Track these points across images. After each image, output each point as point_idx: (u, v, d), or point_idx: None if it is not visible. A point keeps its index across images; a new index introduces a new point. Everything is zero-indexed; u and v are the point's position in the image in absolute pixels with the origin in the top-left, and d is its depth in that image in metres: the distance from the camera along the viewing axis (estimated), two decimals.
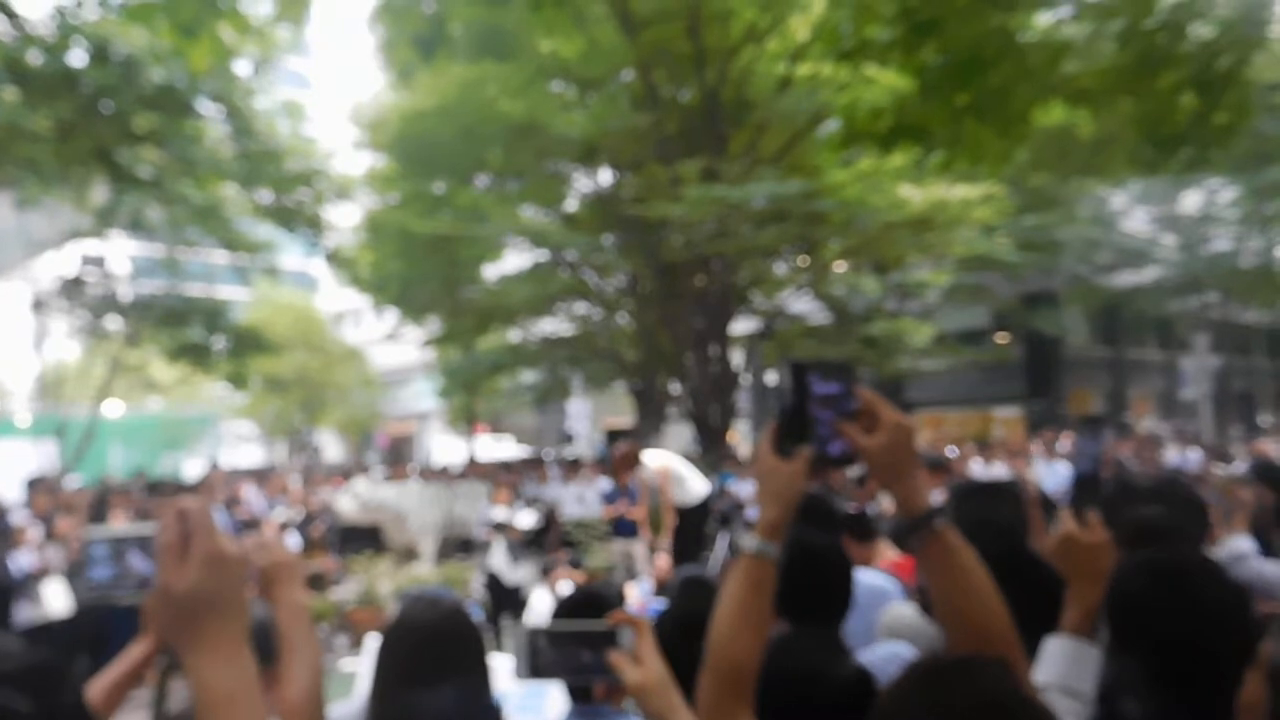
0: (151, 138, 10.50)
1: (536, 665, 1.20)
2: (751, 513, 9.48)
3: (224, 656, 0.78)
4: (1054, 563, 1.51)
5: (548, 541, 8.67)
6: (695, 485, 7.16)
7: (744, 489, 10.25)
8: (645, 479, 6.84)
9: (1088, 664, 1.39)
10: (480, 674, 1.54)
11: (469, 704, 1.31)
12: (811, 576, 2.06)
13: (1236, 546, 2.80)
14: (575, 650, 1.19)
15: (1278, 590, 2.63)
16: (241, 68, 11.32)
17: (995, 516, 2.63)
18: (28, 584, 6.73)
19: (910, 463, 1.22)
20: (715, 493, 9.25)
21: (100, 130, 10.09)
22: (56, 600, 6.65)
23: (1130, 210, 19.69)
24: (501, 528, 8.12)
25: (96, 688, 1.42)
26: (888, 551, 3.19)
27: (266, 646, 1.58)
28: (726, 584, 1.24)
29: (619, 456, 6.95)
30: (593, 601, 1.91)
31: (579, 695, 1.74)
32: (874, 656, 1.96)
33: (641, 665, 1.17)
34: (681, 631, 1.63)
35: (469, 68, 11.57)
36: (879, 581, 2.64)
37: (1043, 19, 7.07)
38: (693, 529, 7.15)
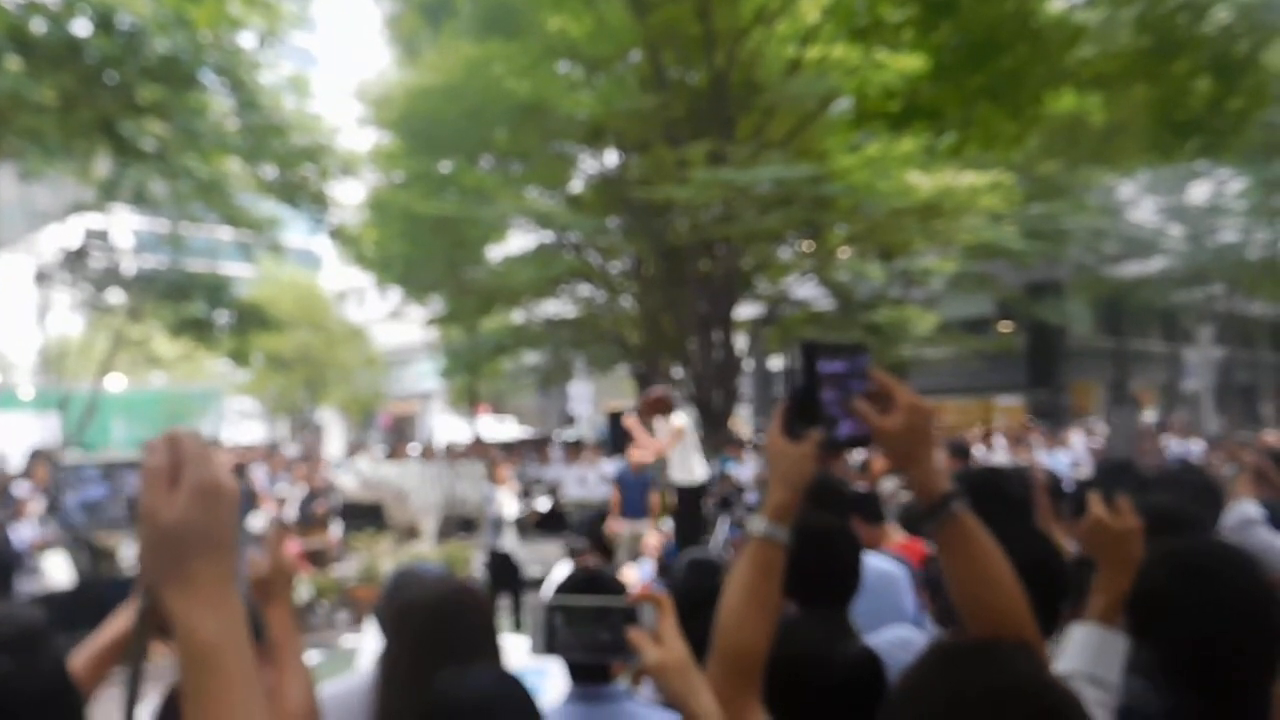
0: (155, 110, 10.42)
1: (553, 642, 1.17)
2: (752, 497, 9.49)
3: (212, 599, 0.69)
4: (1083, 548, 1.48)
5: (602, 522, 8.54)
6: (699, 466, 7.16)
7: (744, 473, 10.27)
8: (665, 429, 6.68)
9: (1114, 653, 1.36)
10: (496, 651, 1.52)
11: (505, 681, 1.29)
12: (820, 558, 2.04)
13: (1243, 512, 2.67)
14: (593, 628, 1.15)
15: None
16: (247, 41, 11.21)
17: (1004, 498, 2.62)
18: (29, 555, 6.76)
19: (927, 445, 1.19)
20: (716, 477, 9.27)
21: (104, 101, 10.01)
22: (58, 572, 6.69)
23: (1138, 200, 19.56)
24: (520, 522, 8.12)
25: (80, 657, 1.40)
26: (895, 534, 3.18)
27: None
28: (735, 567, 1.21)
29: (652, 399, 6.70)
30: (592, 583, 1.90)
31: (590, 674, 1.72)
32: (882, 640, 1.95)
33: (662, 644, 1.13)
34: (685, 612, 1.61)
35: (476, 46, 11.46)
36: (887, 566, 2.62)
37: (1058, 2, 6.99)
38: (692, 510, 7.16)
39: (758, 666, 1.19)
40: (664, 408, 6.76)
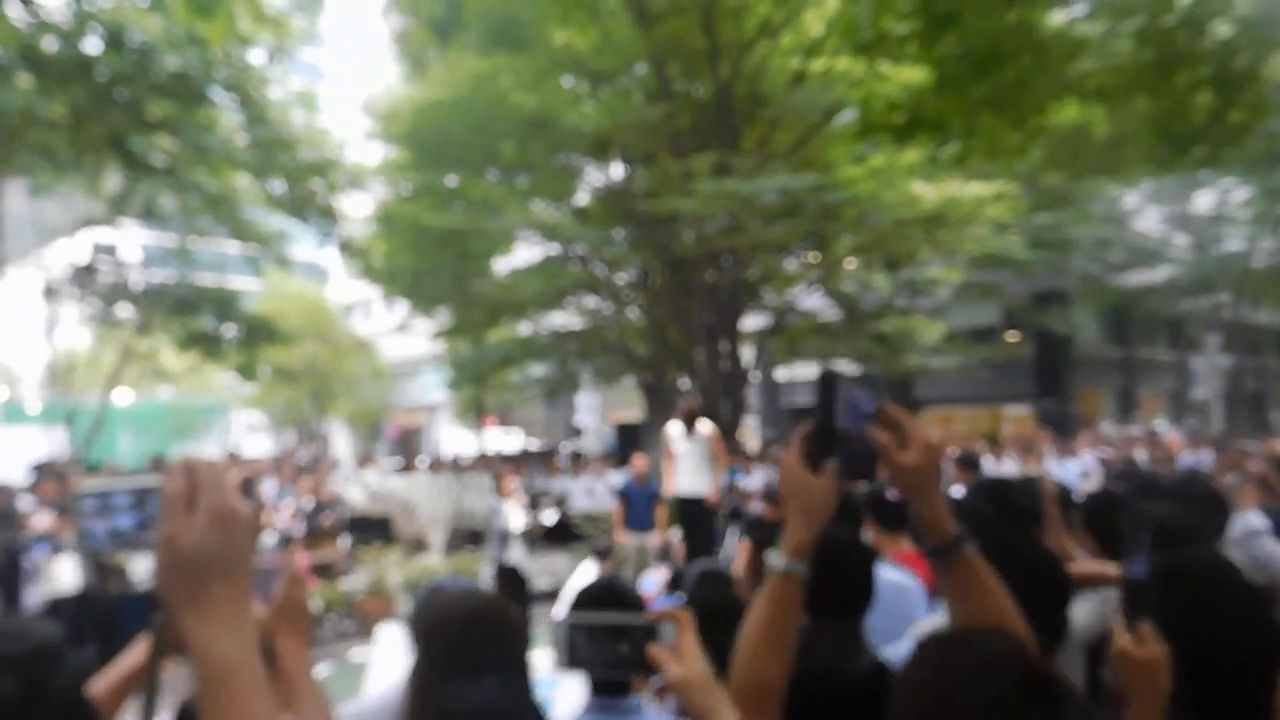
0: (165, 126, 10.52)
1: (575, 658, 1.18)
2: (758, 507, 9.48)
3: (228, 622, 0.71)
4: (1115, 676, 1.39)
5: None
6: (708, 480, 7.18)
7: (752, 484, 10.26)
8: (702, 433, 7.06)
9: None
10: (524, 665, 1.53)
11: (514, 696, 1.29)
12: (833, 571, 2.05)
13: (1249, 523, 2.65)
14: (614, 644, 1.17)
15: None
16: (256, 57, 11.33)
17: (1014, 510, 2.62)
18: (34, 551, 6.79)
19: (938, 483, 1.21)
20: (724, 488, 9.26)
21: (114, 118, 10.11)
22: (66, 577, 6.70)
23: (1143, 209, 19.56)
24: (528, 534, 8.18)
25: (101, 683, 1.40)
26: (906, 545, 3.16)
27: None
28: (754, 602, 1.21)
29: (686, 409, 7.10)
30: (611, 594, 1.91)
31: (608, 688, 1.73)
32: (896, 653, 1.95)
33: (684, 660, 1.14)
34: (698, 625, 1.63)
35: (482, 60, 11.55)
36: (900, 578, 2.62)
37: (1059, 16, 7.04)
38: (699, 522, 7.18)
39: (774, 698, 1.19)
40: (694, 416, 7.07)
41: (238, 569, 0.73)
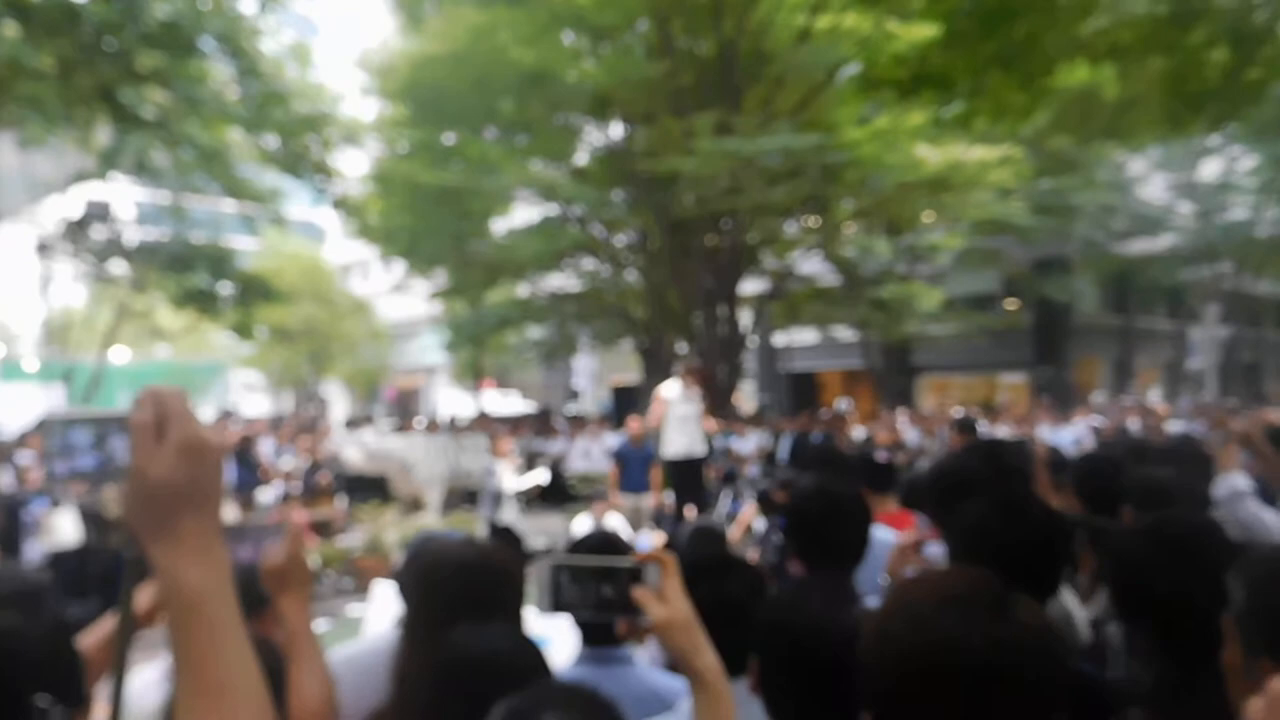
0: (155, 77, 10.33)
1: (559, 600, 1.18)
2: (753, 470, 9.53)
3: (197, 552, 0.70)
4: None
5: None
6: (699, 441, 7.19)
7: (746, 447, 10.31)
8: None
9: None
10: (519, 612, 1.54)
11: (517, 640, 1.29)
12: (831, 524, 2.06)
13: (1233, 484, 2.59)
14: (598, 586, 1.16)
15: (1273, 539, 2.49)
16: (247, 7, 11.07)
17: (1007, 465, 2.63)
18: (34, 520, 6.82)
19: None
20: (720, 452, 9.29)
21: (103, 68, 9.92)
22: (65, 530, 6.74)
23: (1148, 177, 19.38)
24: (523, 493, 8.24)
25: (91, 638, 1.39)
26: (891, 504, 3.21)
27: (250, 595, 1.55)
28: None
29: (693, 370, 7.16)
30: (607, 544, 1.91)
31: (597, 634, 1.73)
32: None
33: (667, 602, 1.14)
34: (689, 579, 1.62)
35: (480, 13, 11.29)
36: (890, 537, 2.64)
37: None
38: (692, 483, 7.20)
39: None
40: (704, 379, 7.11)
41: (207, 500, 0.72)
